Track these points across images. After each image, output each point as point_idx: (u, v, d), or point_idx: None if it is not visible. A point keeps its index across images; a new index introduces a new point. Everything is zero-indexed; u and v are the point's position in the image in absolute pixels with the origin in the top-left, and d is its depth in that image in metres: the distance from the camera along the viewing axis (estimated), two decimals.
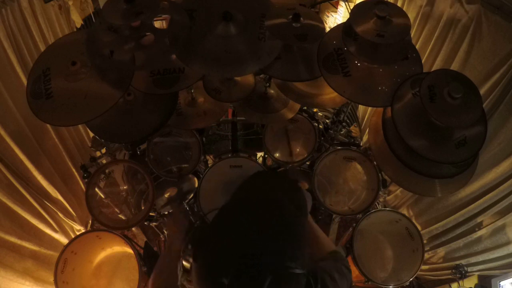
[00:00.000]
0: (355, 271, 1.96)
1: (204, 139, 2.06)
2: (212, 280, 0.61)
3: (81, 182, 2.56)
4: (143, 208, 2.04)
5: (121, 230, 1.85)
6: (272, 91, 1.93)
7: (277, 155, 2.12)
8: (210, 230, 0.69)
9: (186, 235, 1.23)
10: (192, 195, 2.06)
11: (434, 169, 1.39)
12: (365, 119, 2.96)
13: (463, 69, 1.75)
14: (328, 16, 3.14)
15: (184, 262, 0.95)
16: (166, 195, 2.10)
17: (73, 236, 2.03)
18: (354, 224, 1.93)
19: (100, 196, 1.90)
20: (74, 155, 2.47)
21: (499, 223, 1.80)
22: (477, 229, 1.94)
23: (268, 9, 1.39)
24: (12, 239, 1.91)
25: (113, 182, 2.22)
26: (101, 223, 1.76)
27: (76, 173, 2.50)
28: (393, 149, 1.40)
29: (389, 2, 1.31)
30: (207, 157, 2.34)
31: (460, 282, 2.07)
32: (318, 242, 1.09)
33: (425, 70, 1.42)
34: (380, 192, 1.83)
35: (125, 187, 2.27)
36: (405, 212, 2.44)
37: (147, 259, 1.84)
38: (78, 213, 2.49)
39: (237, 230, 0.64)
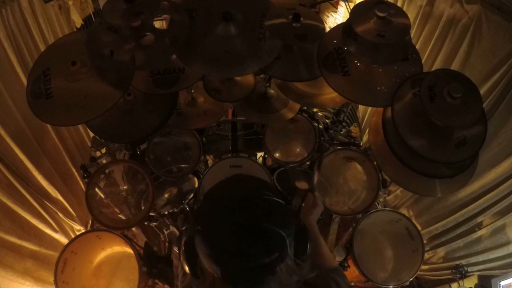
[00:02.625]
0: (355, 271, 1.96)
1: (204, 139, 2.06)
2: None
3: (81, 182, 2.56)
4: (143, 208, 2.04)
5: (121, 230, 1.85)
6: (272, 91, 1.93)
7: (277, 155, 2.12)
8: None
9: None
10: (192, 195, 2.06)
11: (434, 169, 1.39)
12: (365, 119, 2.95)
13: (463, 69, 1.75)
14: (328, 16, 3.13)
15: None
16: (166, 195, 2.10)
17: (73, 236, 2.03)
18: (354, 224, 1.93)
19: (100, 196, 1.90)
20: (74, 155, 2.47)
21: (499, 223, 1.80)
22: (477, 229, 1.94)
23: (268, 9, 1.39)
24: (12, 239, 1.91)
25: (113, 182, 2.22)
26: (101, 223, 1.76)
27: (76, 173, 2.50)
28: (393, 149, 1.40)
29: (389, 2, 1.31)
30: (207, 157, 2.34)
31: (460, 282, 2.06)
32: (321, 258, 1.11)
33: (425, 70, 1.42)
34: (380, 192, 1.83)
35: (125, 187, 2.27)
36: (405, 212, 2.44)
37: (147, 259, 1.83)
38: (78, 213, 2.49)
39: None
